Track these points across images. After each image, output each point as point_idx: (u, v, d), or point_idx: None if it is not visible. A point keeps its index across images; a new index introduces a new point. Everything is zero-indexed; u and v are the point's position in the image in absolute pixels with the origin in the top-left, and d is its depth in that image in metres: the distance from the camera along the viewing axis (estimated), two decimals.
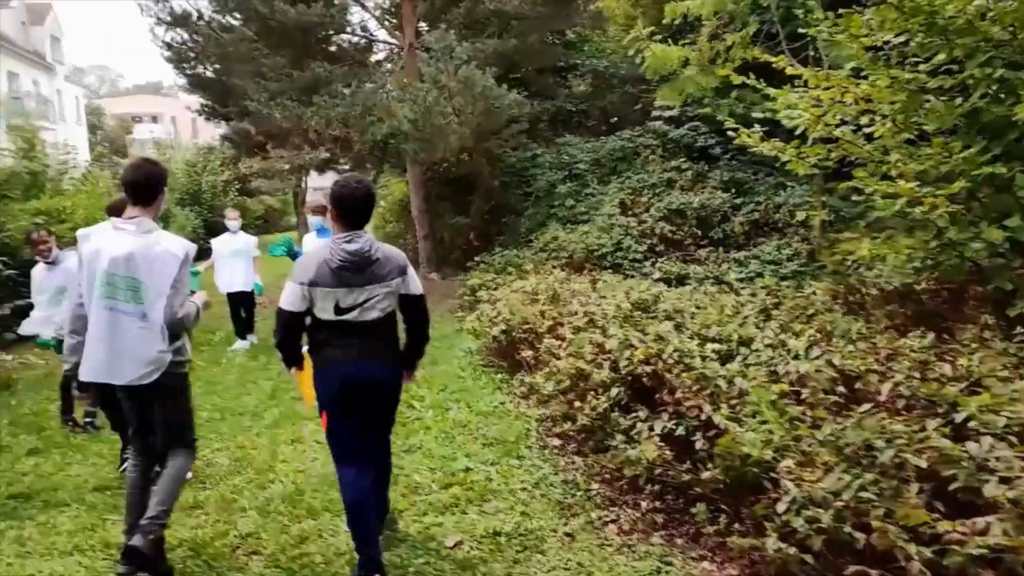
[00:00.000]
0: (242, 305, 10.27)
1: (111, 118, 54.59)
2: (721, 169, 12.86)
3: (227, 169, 27.13)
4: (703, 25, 11.18)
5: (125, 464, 4.75)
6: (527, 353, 7.12)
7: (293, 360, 3.91)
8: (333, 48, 15.87)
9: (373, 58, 16.65)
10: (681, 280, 10.23)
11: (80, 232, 3.98)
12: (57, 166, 17.45)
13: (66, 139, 21.47)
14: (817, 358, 4.57)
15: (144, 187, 3.82)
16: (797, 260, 10.46)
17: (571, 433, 5.52)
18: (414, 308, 3.85)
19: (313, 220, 8.15)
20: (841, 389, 4.19)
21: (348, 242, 3.56)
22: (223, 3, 13.03)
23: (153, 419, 3.91)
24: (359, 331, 3.64)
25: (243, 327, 10.28)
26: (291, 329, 3.72)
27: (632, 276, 10.37)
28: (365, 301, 3.61)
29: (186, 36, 13.26)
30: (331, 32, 14.63)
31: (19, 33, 38.21)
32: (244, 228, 10.77)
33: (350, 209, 3.60)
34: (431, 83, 11.36)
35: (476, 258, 12.71)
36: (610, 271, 10.65)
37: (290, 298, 3.61)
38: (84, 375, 3.82)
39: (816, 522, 3.17)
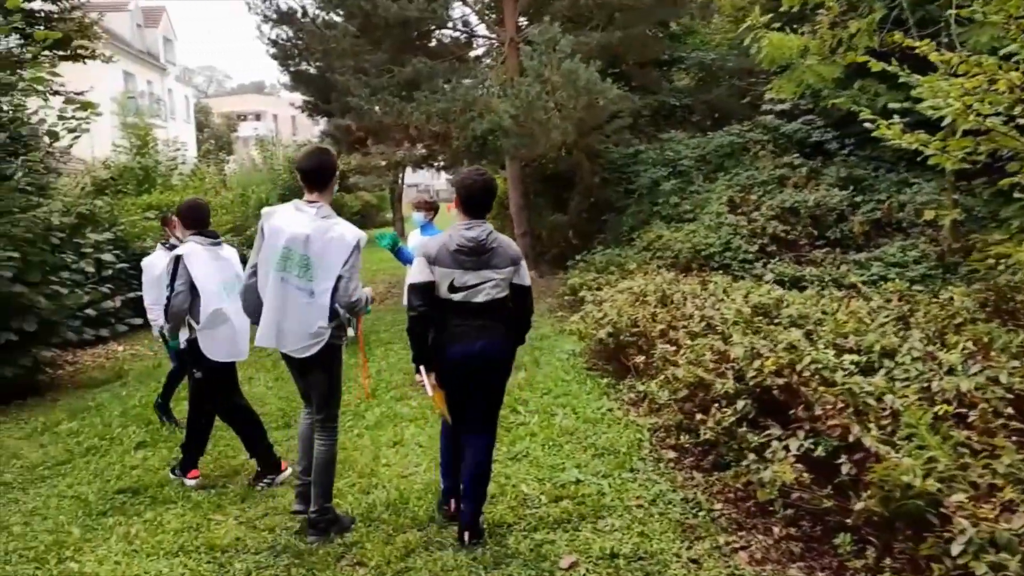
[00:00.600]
0: None
1: (217, 116, 56.63)
2: (837, 165, 12.14)
3: None
4: (823, 12, 10.53)
5: (173, 465, 5.30)
6: (638, 358, 6.77)
7: (424, 350, 4.00)
8: (433, 44, 15.80)
9: (472, 54, 16.51)
10: (796, 283, 9.65)
11: (265, 209, 4.27)
12: (167, 162, 18.07)
13: (176, 136, 22.22)
14: (977, 374, 4.08)
15: (319, 173, 4.14)
16: (926, 263, 9.72)
17: (688, 446, 5.16)
18: (522, 298, 4.09)
19: (417, 216, 7.99)
20: (1010, 411, 3.70)
21: (468, 229, 3.89)
22: (327, 0, 13.11)
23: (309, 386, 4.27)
24: (472, 312, 3.92)
25: None
26: (425, 297, 3.88)
27: (742, 278, 9.85)
28: (477, 284, 3.90)
29: (291, 33, 13.40)
30: (432, 27, 14.54)
31: (134, 35, 39.95)
32: None
33: (472, 199, 3.94)
34: (534, 77, 11.08)
35: (576, 256, 12.38)
36: (718, 272, 10.15)
37: (418, 270, 3.91)
38: (257, 341, 4.22)
39: (1003, 569, 2.74)
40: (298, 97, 21.59)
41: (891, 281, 9.30)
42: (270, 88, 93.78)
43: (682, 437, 5.04)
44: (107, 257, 8.46)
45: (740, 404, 4.49)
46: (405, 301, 3.98)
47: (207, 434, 5.31)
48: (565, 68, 10.97)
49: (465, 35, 15.89)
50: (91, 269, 9.15)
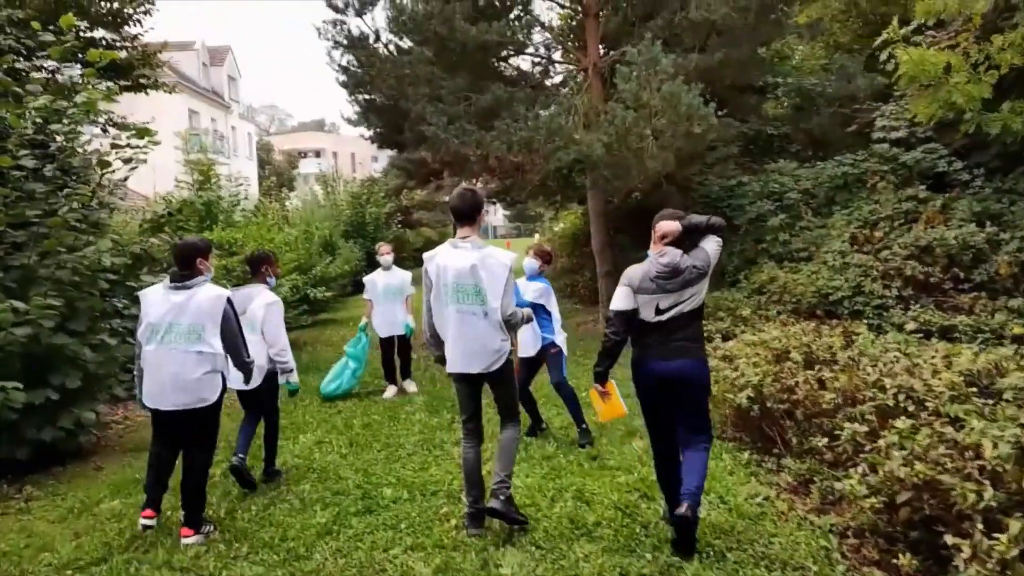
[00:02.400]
0: (397, 349, 9.35)
1: (279, 154, 56.99)
2: (968, 198, 10.72)
3: (389, 200, 26.94)
4: (965, 27, 9.23)
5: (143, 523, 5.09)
6: (789, 431, 5.50)
7: (605, 374, 4.71)
8: (508, 72, 14.87)
9: (549, 82, 15.51)
10: (944, 333, 8.25)
11: (426, 255, 4.84)
12: (230, 198, 17.39)
13: (239, 171, 21.69)
14: None
15: (470, 211, 4.69)
16: None
17: (910, 571, 3.84)
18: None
19: (530, 264, 7.08)
20: None
21: (661, 255, 4.34)
22: (400, 24, 12.26)
23: (480, 401, 4.91)
24: (674, 329, 4.30)
25: (398, 371, 9.51)
26: (625, 326, 4.39)
27: (878, 327, 8.48)
28: (678, 303, 4.31)
29: (362, 59, 12.58)
30: (511, 52, 13.59)
31: (200, 73, 40.27)
32: (399, 262, 9.83)
33: (664, 230, 4.38)
34: (632, 100, 9.96)
35: None
36: (847, 319, 8.82)
37: (621, 299, 4.37)
38: (450, 368, 4.76)
39: None
40: (358, 132, 20.92)
41: None
42: (330, 126, 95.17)
43: (904, 557, 3.74)
44: None
45: (1016, 527, 3.19)
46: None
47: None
48: (666, 91, 9.83)
49: (543, 62, 14.91)
50: None
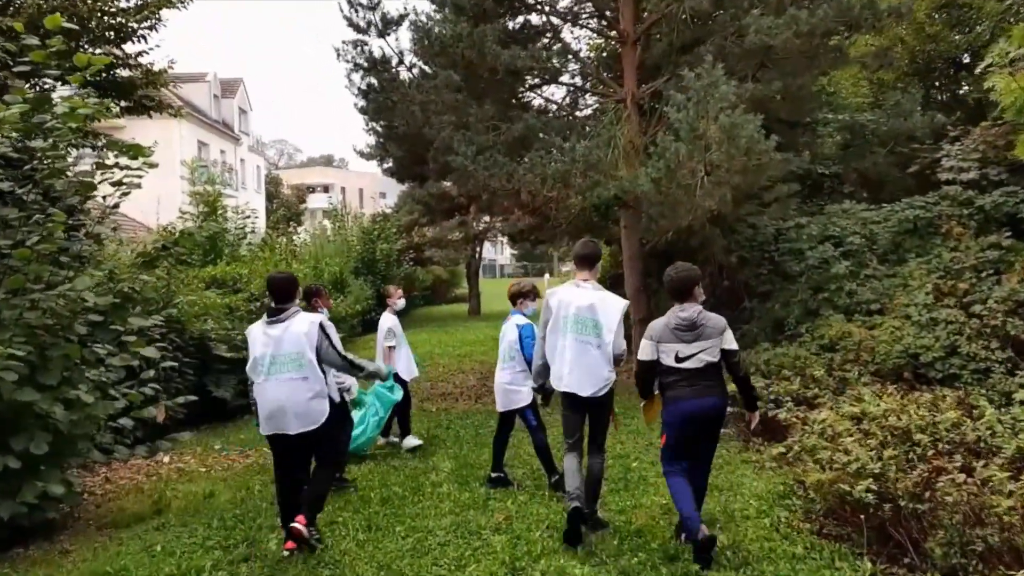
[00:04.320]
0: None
1: (287, 188, 56.29)
2: None
3: (401, 237, 25.95)
4: None
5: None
6: (933, 543, 4.31)
7: (647, 393, 5.38)
8: (537, 102, 13.90)
9: (579, 113, 14.53)
10: None
11: (548, 290, 5.69)
12: (236, 231, 16.38)
13: (247, 203, 20.74)
14: None
15: (591, 258, 5.62)
16: None
17: None
18: (733, 359, 5.09)
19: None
20: None
21: (682, 311, 5.03)
22: (427, 46, 11.29)
23: (584, 424, 5.59)
24: (694, 374, 4.99)
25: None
26: (648, 373, 5.19)
27: (982, 393, 7.28)
28: (696, 353, 4.99)
29: (384, 83, 11.60)
30: (545, 79, 12.61)
31: (211, 105, 39.64)
32: (411, 301, 8.91)
33: (677, 290, 5.08)
34: (686, 131, 8.90)
35: None
36: (937, 385, 7.65)
37: (645, 351, 5.14)
38: (560, 387, 5.49)
39: None
40: (367, 168, 20.04)
41: None
42: (339, 161, 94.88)
43: None
44: (150, 352, 6.37)
45: None
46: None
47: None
48: (725, 121, 8.78)
49: (574, 90, 13.93)
50: (135, 363, 7.06)
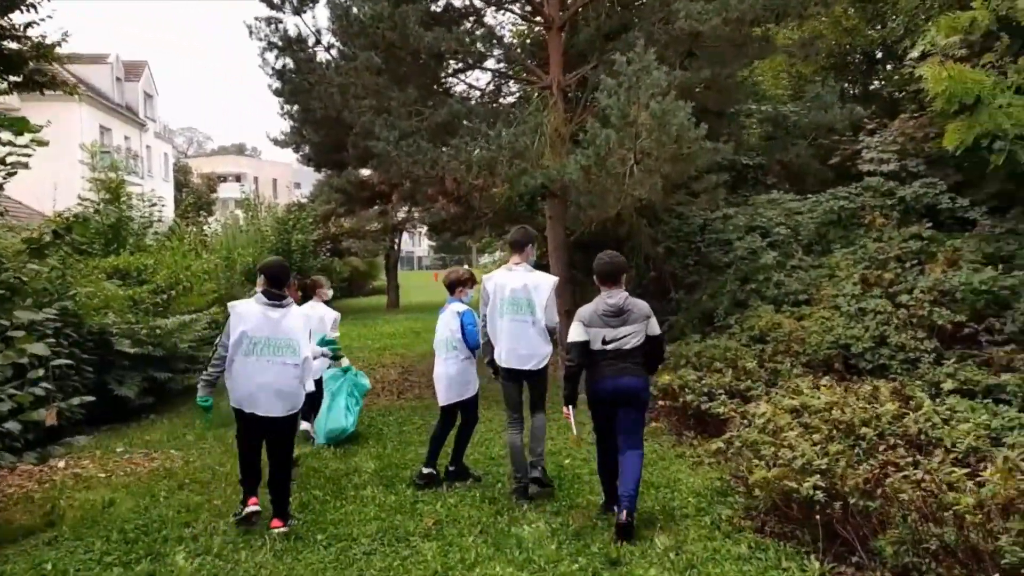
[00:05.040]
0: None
1: (197, 177, 54.11)
2: (976, 238, 9.77)
3: (317, 227, 25.09)
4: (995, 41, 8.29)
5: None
6: (884, 542, 4.13)
7: (574, 395, 5.56)
8: (460, 88, 13.48)
9: (503, 100, 14.16)
10: (989, 394, 7.11)
11: (484, 276, 6.21)
12: (141, 219, 15.42)
13: (153, 191, 19.62)
14: None
15: (522, 243, 6.09)
16: None
17: None
18: (655, 344, 5.46)
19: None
20: None
21: (609, 297, 5.33)
22: (346, 26, 10.71)
23: (524, 397, 6.12)
24: (619, 356, 5.30)
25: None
26: (581, 354, 5.38)
27: (914, 383, 7.27)
28: (621, 337, 5.30)
29: (301, 63, 10.95)
30: (468, 64, 12.18)
31: (113, 88, 37.69)
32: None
33: (607, 274, 5.41)
34: (618, 118, 8.65)
35: None
36: (868, 376, 7.63)
37: (575, 333, 5.39)
38: (501, 363, 6.01)
39: None
40: (281, 157, 19.21)
41: None
42: (251, 150, 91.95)
43: None
44: (39, 348, 5.70)
45: None
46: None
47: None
48: (656, 108, 8.57)
49: (498, 77, 13.56)
50: (24, 360, 6.35)
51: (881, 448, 4.84)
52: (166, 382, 10.66)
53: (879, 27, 17.21)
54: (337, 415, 8.01)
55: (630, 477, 5.21)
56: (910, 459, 4.51)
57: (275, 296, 5.49)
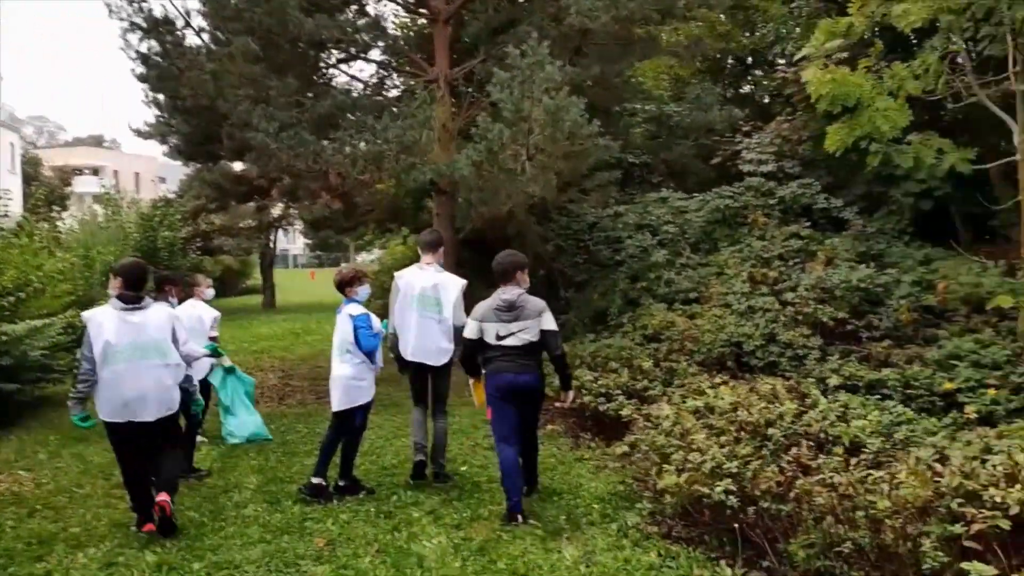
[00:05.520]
0: None
1: (49, 169, 50.34)
2: (851, 237, 10.16)
3: (186, 224, 23.67)
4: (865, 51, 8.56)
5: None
6: (797, 546, 4.07)
7: (475, 371, 5.81)
8: (342, 79, 12.94)
9: (387, 94, 13.70)
10: (872, 389, 7.34)
11: (396, 273, 6.45)
12: None
13: None
14: None
15: (433, 244, 6.38)
16: (1022, 364, 7.65)
17: None
18: (550, 339, 5.49)
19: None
20: None
21: (504, 293, 5.45)
22: (218, 9, 10.00)
23: (429, 389, 6.34)
24: (514, 351, 5.43)
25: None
26: (472, 350, 5.64)
27: (808, 380, 7.41)
28: (515, 332, 5.42)
29: (168, 47, 10.12)
30: (352, 53, 11.66)
31: None
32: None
33: (501, 272, 5.53)
34: (512, 112, 8.42)
35: None
36: (760, 373, 7.74)
37: (470, 329, 5.60)
38: (412, 357, 6.20)
39: None
40: (145, 149, 17.94)
41: (991, 388, 7.25)
42: (110, 142, 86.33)
43: None
44: None
45: None
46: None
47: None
48: (549, 104, 8.40)
49: (382, 69, 13.10)
50: None
51: (788, 448, 4.80)
52: (13, 394, 9.62)
53: (749, 34, 17.83)
54: (250, 416, 8.04)
55: (533, 472, 5.77)
56: (820, 460, 4.47)
57: (131, 299, 5.25)
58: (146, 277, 5.49)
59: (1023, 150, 7.94)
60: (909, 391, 7.29)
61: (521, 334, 5.40)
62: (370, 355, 6.06)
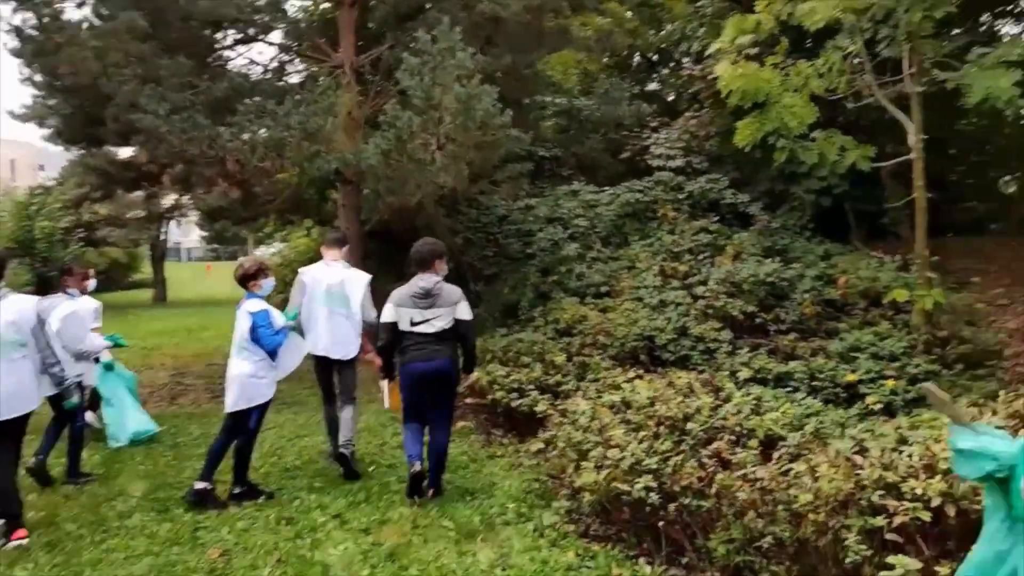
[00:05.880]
0: None
1: None
2: (758, 232, 10.33)
3: (67, 214, 22.23)
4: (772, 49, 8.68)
5: None
6: (717, 542, 3.99)
7: (390, 368, 5.95)
8: (239, 62, 12.32)
9: (287, 80, 13.13)
10: (780, 382, 7.43)
11: (301, 269, 6.51)
12: None
13: None
14: None
15: (340, 241, 6.57)
16: (916, 355, 7.91)
17: None
18: (464, 328, 5.61)
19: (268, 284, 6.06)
20: None
21: (421, 280, 5.52)
22: None
23: (335, 382, 6.38)
24: (426, 338, 5.47)
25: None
26: (390, 334, 5.62)
27: (701, 372, 7.44)
28: (429, 319, 5.48)
29: (46, 21, 9.32)
30: (249, 34, 11.07)
31: None
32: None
33: (419, 260, 5.60)
34: (422, 100, 8.13)
35: None
36: (672, 367, 7.73)
37: (387, 314, 5.62)
38: (322, 352, 6.22)
39: None
40: (22, 133, 16.65)
41: (889, 379, 7.46)
42: None
43: None
44: None
45: None
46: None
47: None
48: (461, 92, 8.16)
49: (284, 52, 12.54)
50: None
51: (706, 443, 4.73)
52: None
53: (656, 32, 18.06)
54: (134, 413, 7.66)
55: (434, 461, 5.69)
56: (738, 454, 4.41)
57: None
58: (4, 266, 5.26)
59: (918, 150, 8.18)
60: (815, 383, 7.43)
61: (435, 321, 5.46)
62: (272, 353, 5.70)
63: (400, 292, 5.59)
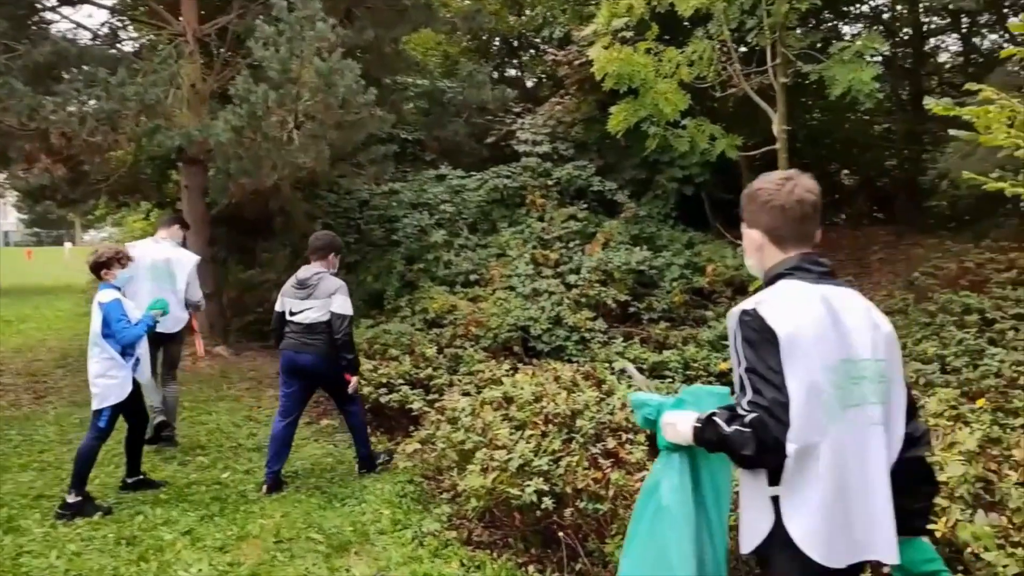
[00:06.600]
0: None
1: None
2: (625, 220, 10.30)
3: None
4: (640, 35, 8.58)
5: None
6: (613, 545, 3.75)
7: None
8: (64, 26, 11.08)
9: (120, 48, 11.94)
10: (654, 371, 7.36)
11: (128, 244, 6.21)
12: None
13: None
14: None
15: (173, 220, 6.88)
16: None
17: None
18: (336, 321, 5.45)
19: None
20: None
21: (302, 271, 5.59)
22: None
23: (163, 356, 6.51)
24: (299, 329, 5.49)
25: None
26: (277, 323, 5.70)
27: (571, 362, 7.25)
28: (305, 309, 5.47)
29: None
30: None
31: None
32: None
33: (313, 248, 5.67)
34: (278, 72, 7.45)
35: None
36: (547, 357, 7.50)
37: (278, 302, 5.70)
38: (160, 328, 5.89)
39: None
40: None
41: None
42: None
43: None
44: None
45: None
46: None
47: None
48: (322, 66, 7.55)
49: (116, 15, 11.36)
50: None
51: (596, 440, 4.49)
52: None
53: (517, 15, 17.85)
54: None
55: (364, 444, 5.82)
56: (636, 453, 4.19)
57: None
58: None
59: (782, 140, 8.33)
60: (689, 372, 7.40)
61: (308, 312, 5.44)
62: (129, 348, 5.16)
63: (288, 281, 5.70)
